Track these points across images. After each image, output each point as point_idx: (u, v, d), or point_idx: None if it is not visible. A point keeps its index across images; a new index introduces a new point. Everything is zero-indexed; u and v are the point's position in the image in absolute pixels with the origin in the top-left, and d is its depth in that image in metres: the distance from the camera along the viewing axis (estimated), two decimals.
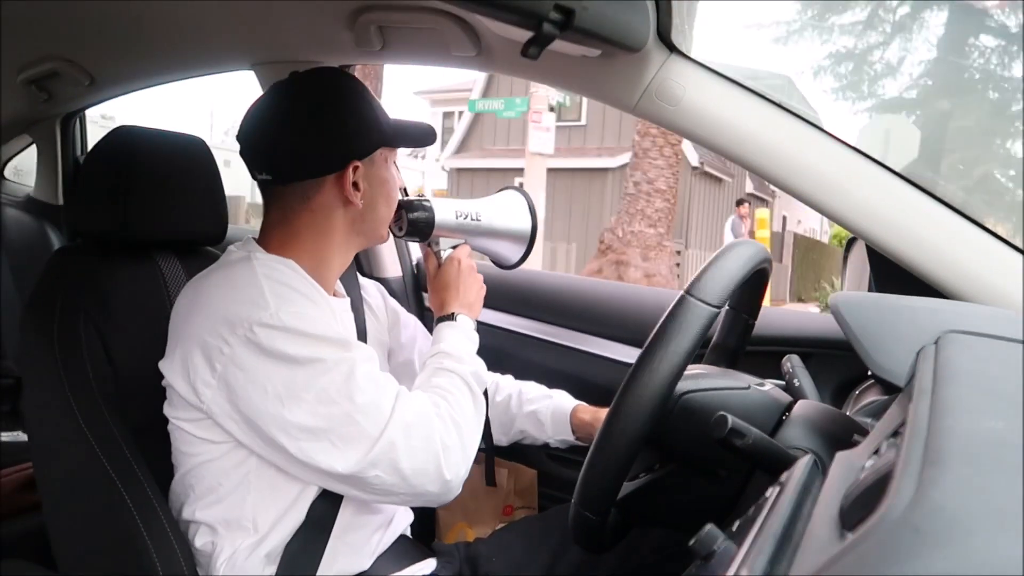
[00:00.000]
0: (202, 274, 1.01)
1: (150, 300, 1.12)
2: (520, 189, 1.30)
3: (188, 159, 1.18)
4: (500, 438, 1.34)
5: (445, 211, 1.19)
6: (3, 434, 1.80)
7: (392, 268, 1.82)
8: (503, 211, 1.26)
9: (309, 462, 0.90)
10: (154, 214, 1.12)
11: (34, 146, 2.28)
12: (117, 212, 1.09)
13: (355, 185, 1.03)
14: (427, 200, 1.19)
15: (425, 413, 0.95)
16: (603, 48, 1.01)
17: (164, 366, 0.97)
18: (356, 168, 1.02)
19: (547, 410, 1.30)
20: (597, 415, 1.26)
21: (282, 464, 0.94)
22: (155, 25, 1.41)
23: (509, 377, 1.38)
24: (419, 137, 1.13)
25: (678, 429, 0.87)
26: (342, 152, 1.02)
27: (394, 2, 1.18)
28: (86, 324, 1.05)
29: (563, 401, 1.31)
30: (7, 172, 2.50)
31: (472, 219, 1.21)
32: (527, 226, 1.25)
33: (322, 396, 0.89)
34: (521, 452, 1.52)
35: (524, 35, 0.81)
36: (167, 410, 0.99)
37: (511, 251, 1.27)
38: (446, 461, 0.94)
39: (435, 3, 1.13)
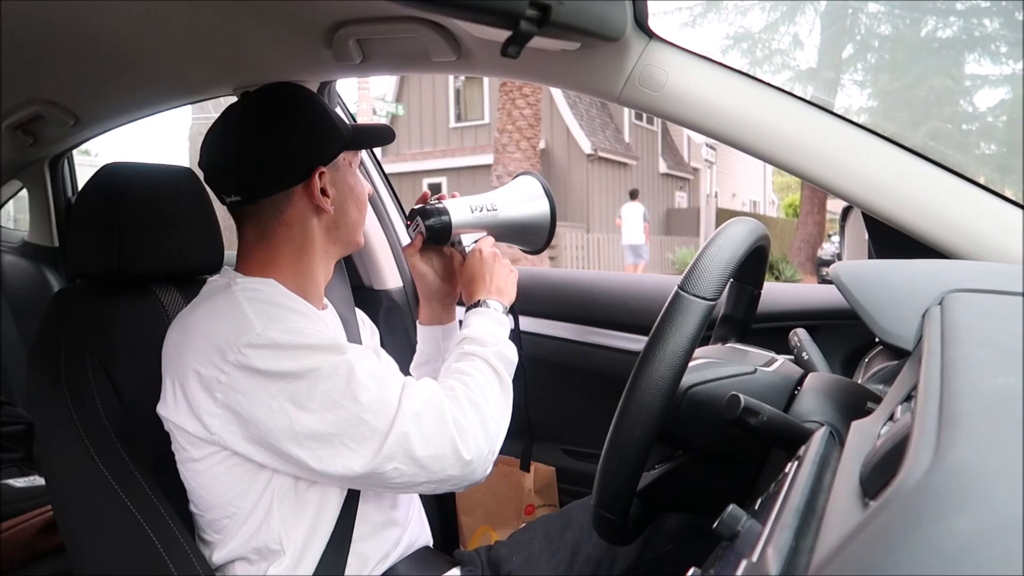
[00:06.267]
0: (186, 310, 1.02)
1: (153, 334, 1.12)
2: (534, 173, 1.30)
3: (178, 190, 1.18)
4: None
5: (460, 210, 1.19)
6: (19, 479, 1.80)
7: (392, 279, 1.82)
8: (519, 197, 1.26)
9: (327, 470, 0.91)
10: (149, 248, 1.12)
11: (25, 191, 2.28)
12: (112, 250, 1.09)
13: (323, 192, 1.04)
14: (440, 203, 1.19)
15: (434, 398, 0.95)
16: (582, 40, 1.01)
17: (164, 409, 0.97)
18: (322, 174, 1.03)
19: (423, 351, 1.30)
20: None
21: (303, 475, 0.94)
22: (135, 59, 1.41)
23: None
24: (378, 137, 1.15)
25: (688, 423, 0.87)
26: (306, 160, 1.03)
27: (369, 15, 1.18)
28: (92, 363, 1.05)
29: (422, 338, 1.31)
30: (3, 219, 2.50)
31: (488, 210, 1.21)
32: (545, 209, 1.25)
33: (326, 402, 0.90)
34: (538, 450, 1.52)
35: (502, 35, 0.81)
36: (179, 456, 0.99)
37: (534, 235, 1.27)
38: (463, 442, 0.94)
39: (410, 11, 1.13)
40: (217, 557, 1.00)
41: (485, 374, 1.03)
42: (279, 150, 1.02)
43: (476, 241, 1.21)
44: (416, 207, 1.18)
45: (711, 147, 14.77)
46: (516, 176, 1.31)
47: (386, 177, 1.87)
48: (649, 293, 1.64)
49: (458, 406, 0.96)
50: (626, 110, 18.84)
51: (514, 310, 1.18)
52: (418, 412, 0.92)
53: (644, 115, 19.78)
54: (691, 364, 0.85)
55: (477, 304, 1.13)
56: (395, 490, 1.00)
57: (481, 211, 1.21)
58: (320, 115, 1.06)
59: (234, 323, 0.92)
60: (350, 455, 0.90)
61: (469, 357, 1.05)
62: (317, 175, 1.03)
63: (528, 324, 1.67)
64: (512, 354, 1.09)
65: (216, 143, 1.04)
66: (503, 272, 1.19)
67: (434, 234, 1.17)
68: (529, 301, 1.71)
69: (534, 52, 1.07)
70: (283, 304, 0.97)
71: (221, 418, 0.91)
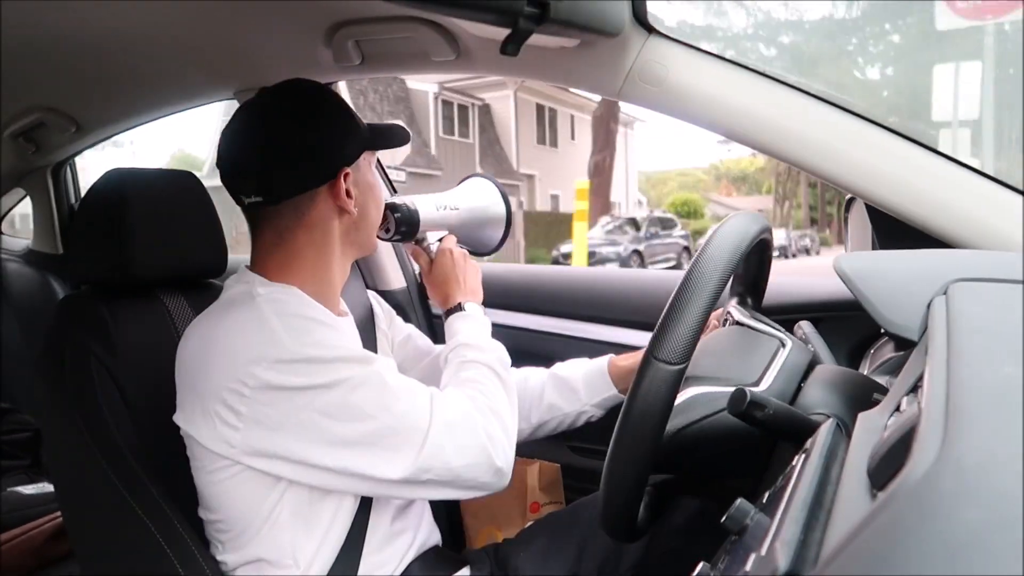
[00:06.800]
0: (205, 318, 0.99)
1: (158, 339, 1.12)
2: (487, 175, 1.30)
3: (181, 195, 1.18)
4: (521, 425, 1.25)
5: (426, 206, 1.19)
6: (27, 486, 1.81)
7: (396, 279, 1.82)
8: (477, 198, 1.26)
9: (365, 474, 0.90)
10: (153, 253, 1.12)
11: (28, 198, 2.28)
12: (116, 256, 1.09)
13: (347, 193, 1.01)
14: (408, 199, 1.18)
15: (464, 410, 0.95)
16: (581, 37, 1.01)
17: (181, 419, 0.95)
18: (347, 175, 1.01)
19: (577, 375, 1.26)
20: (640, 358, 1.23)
21: (335, 484, 0.93)
22: (135, 65, 1.42)
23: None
24: (396, 137, 1.12)
25: (680, 462, 0.86)
26: (333, 160, 1.00)
27: (368, 15, 1.18)
28: (98, 369, 1.05)
29: (596, 361, 1.27)
30: (4, 227, 2.51)
31: (451, 209, 1.21)
32: (502, 210, 1.26)
33: (358, 413, 0.89)
34: (543, 446, 1.52)
35: (502, 33, 0.81)
36: (193, 464, 0.98)
37: (490, 236, 1.28)
38: (494, 450, 0.94)
39: (409, 11, 1.12)
40: (226, 564, 1.00)
41: (494, 381, 1.02)
42: (305, 150, 0.99)
43: (439, 240, 1.21)
44: (388, 201, 1.16)
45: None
46: (467, 177, 1.31)
47: (386, 174, 1.86)
48: (651, 287, 1.64)
49: (484, 416, 0.96)
50: (432, 124, 19.08)
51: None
52: (451, 423, 0.92)
53: (456, 129, 20.50)
54: (680, 398, 0.84)
55: (459, 307, 1.12)
56: (431, 497, 0.99)
57: (445, 209, 1.21)
58: (343, 113, 1.03)
59: (262, 340, 0.90)
60: (383, 465, 0.90)
61: (474, 365, 1.04)
62: (343, 176, 1.00)
63: (534, 321, 1.67)
64: (507, 357, 1.09)
65: (234, 142, 1.01)
66: (472, 272, 1.18)
67: (402, 229, 1.16)
68: (532, 298, 1.71)
69: (533, 49, 1.07)
70: (309, 316, 0.95)
71: (244, 432, 0.89)
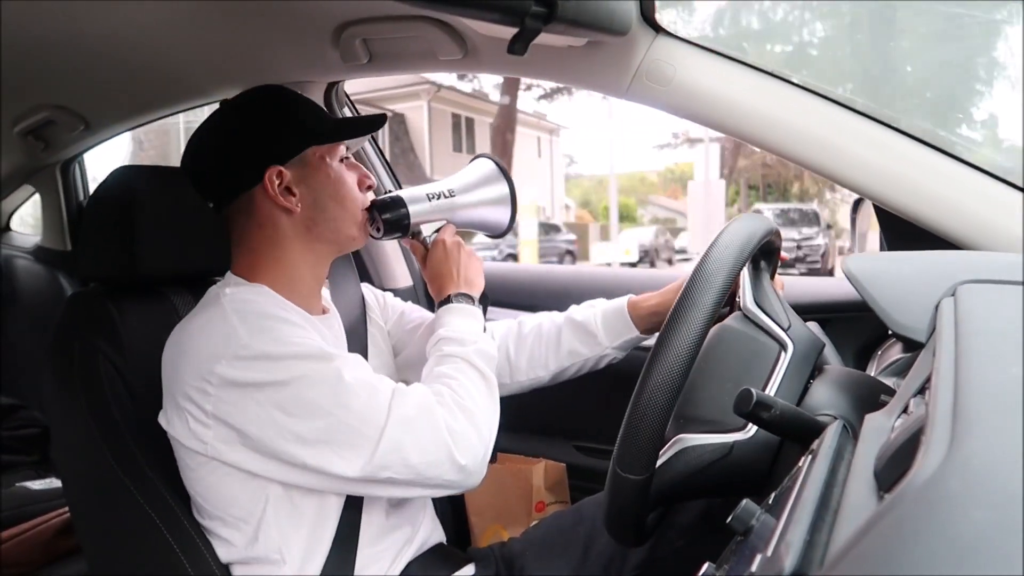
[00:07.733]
0: (182, 322, 1.01)
1: (165, 336, 1.12)
2: (489, 155, 1.25)
3: (189, 193, 1.18)
4: (539, 373, 1.26)
5: (417, 199, 1.15)
6: (36, 482, 1.82)
7: (403, 277, 1.82)
8: (476, 181, 1.21)
9: (323, 471, 0.90)
10: (161, 251, 1.12)
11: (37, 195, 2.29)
12: (124, 253, 1.09)
13: (289, 190, 1.03)
14: (397, 194, 1.15)
15: (425, 405, 0.93)
16: (588, 36, 1.01)
17: (163, 420, 0.97)
18: (280, 173, 1.02)
19: (595, 319, 1.22)
20: (665, 296, 1.19)
21: (299, 480, 0.93)
22: (144, 63, 1.42)
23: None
24: (358, 128, 1.11)
25: (677, 501, 0.89)
26: (254, 161, 1.02)
27: (375, 14, 1.18)
28: (105, 365, 1.05)
29: (612, 302, 1.24)
30: (14, 223, 2.52)
31: (446, 197, 1.17)
32: (504, 190, 1.20)
33: (314, 409, 0.89)
34: (549, 446, 1.52)
35: (509, 32, 0.81)
36: (179, 464, 0.99)
37: (496, 218, 1.22)
38: (457, 447, 0.93)
39: (416, 10, 1.13)
40: (222, 560, 1.00)
41: (470, 376, 1.01)
42: (229, 152, 1.04)
43: (437, 231, 1.18)
44: (374, 200, 1.13)
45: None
46: (471, 160, 1.26)
47: (390, 168, 1.85)
48: (657, 286, 1.63)
49: (449, 412, 0.94)
50: None
51: (484, 299, 1.15)
52: (409, 419, 0.91)
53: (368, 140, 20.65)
54: (671, 451, 0.84)
55: (448, 300, 1.10)
56: (396, 496, 0.99)
57: (439, 198, 1.17)
58: (278, 114, 1.05)
59: (222, 336, 0.92)
60: (341, 462, 0.89)
61: (451, 359, 1.02)
62: (273, 174, 1.02)
63: None
64: (492, 349, 1.07)
65: (188, 150, 1.08)
66: (469, 262, 1.15)
67: (392, 227, 1.12)
68: (537, 295, 1.71)
69: (540, 48, 1.07)
70: (271, 314, 0.96)
71: (213, 428, 0.91)
